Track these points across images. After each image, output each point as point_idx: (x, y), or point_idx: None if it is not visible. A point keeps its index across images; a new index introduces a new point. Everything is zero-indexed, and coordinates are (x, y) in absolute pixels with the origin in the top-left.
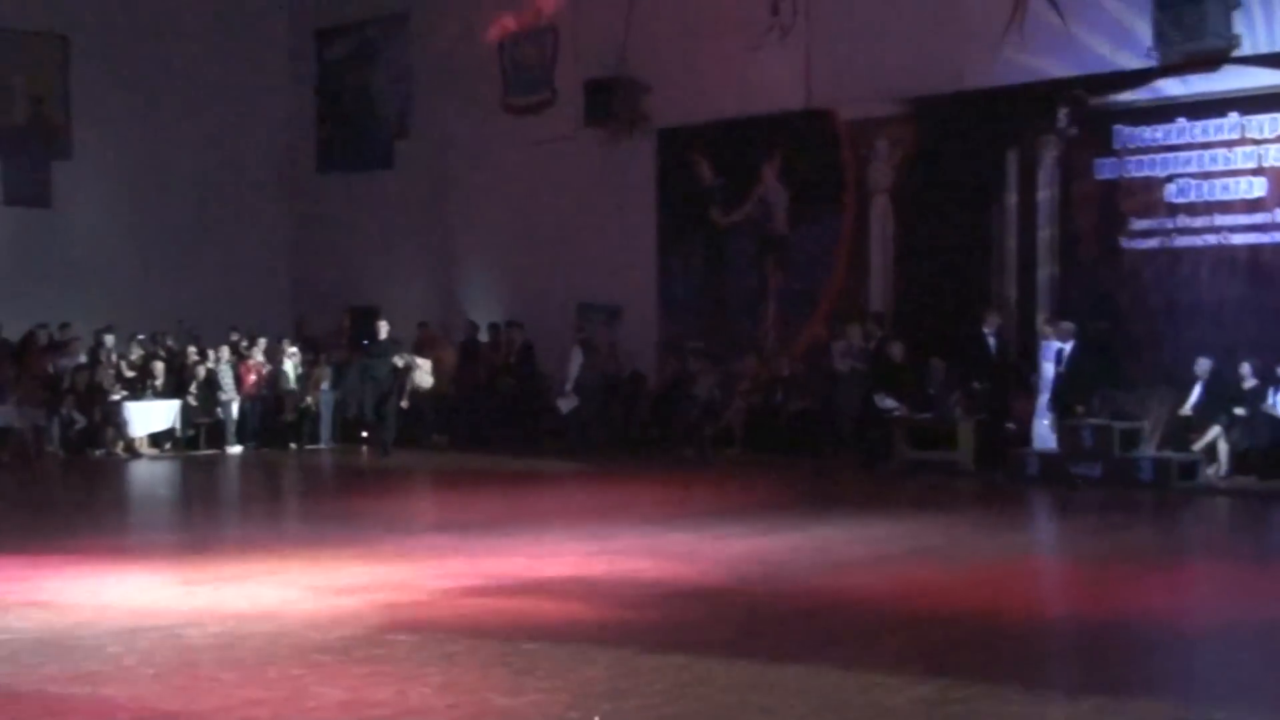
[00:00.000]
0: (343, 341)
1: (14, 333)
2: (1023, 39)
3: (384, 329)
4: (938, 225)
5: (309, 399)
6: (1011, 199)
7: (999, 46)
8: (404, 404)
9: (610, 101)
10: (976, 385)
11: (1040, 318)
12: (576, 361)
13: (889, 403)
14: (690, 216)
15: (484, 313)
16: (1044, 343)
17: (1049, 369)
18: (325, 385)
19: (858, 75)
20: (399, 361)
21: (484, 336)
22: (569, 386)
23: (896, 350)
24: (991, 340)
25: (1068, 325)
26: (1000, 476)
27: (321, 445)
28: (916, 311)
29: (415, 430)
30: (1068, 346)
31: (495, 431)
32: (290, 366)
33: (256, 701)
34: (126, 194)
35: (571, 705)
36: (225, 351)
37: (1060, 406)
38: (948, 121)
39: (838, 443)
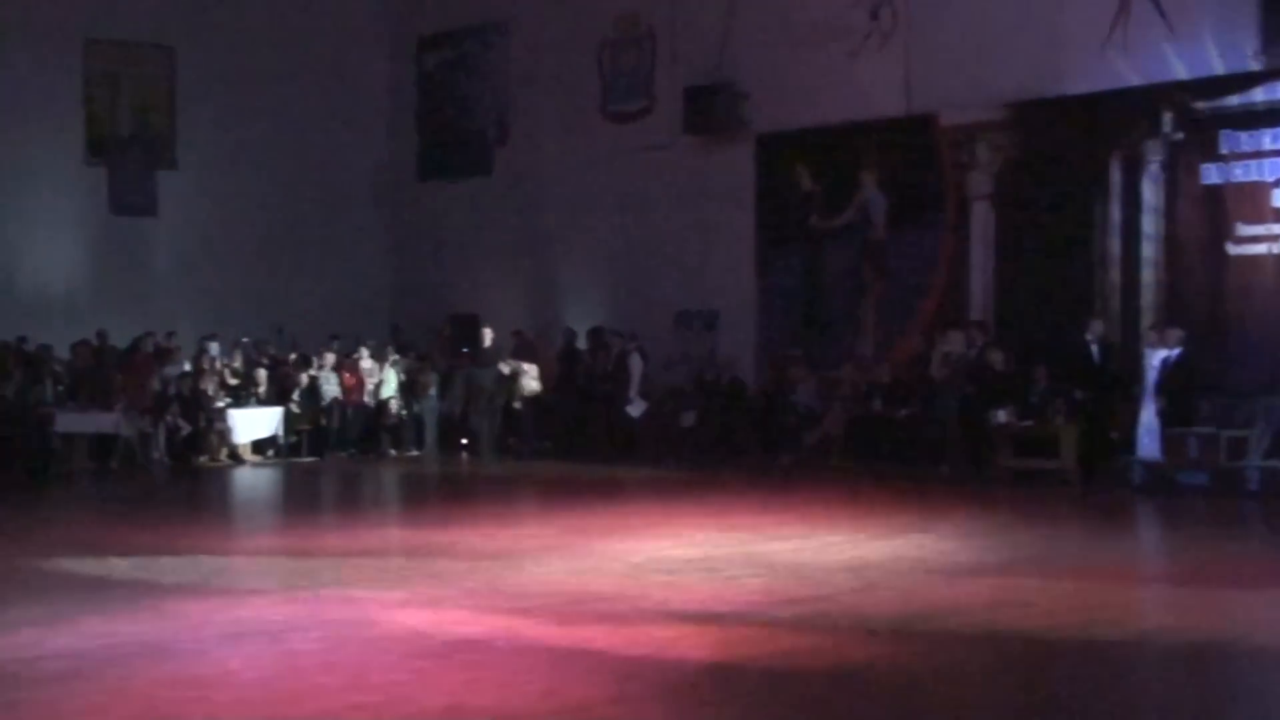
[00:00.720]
0: (445, 349)
1: (121, 340)
2: (1126, 42)
3: (488, 336)
4: (1039, 231)
5: (416, 405)
6: (1115, 205)
7: (1102, 50)
8: (516, 404)
9: (709, 108)
10: (1079, 393)
11: (1145, 324)
12: (637, 368)
13: (1000, 416)
14: (789, 223)
15: (582, 320)
16: (1147, 349)
17: (1153, 376)
18: (432, 392)
19: (958, 80)
20: (505, 368)
21: (583, 344)
22: (633, 393)
23: (998, 358)
24: (1095, 347)
25: (1175, 332)
26: (1104, 485)
27: (423, 452)
28: (1018, 318)
29: (515, 438)
30: (1175, 354)
31: (594, 439)
32: (392, 374)
33: (358, 706)
34: (229, 203)
35: (674, 713)
36: (328, 358)
37: (1166, 414)
38: (1049, 126)
39: (938, 451)
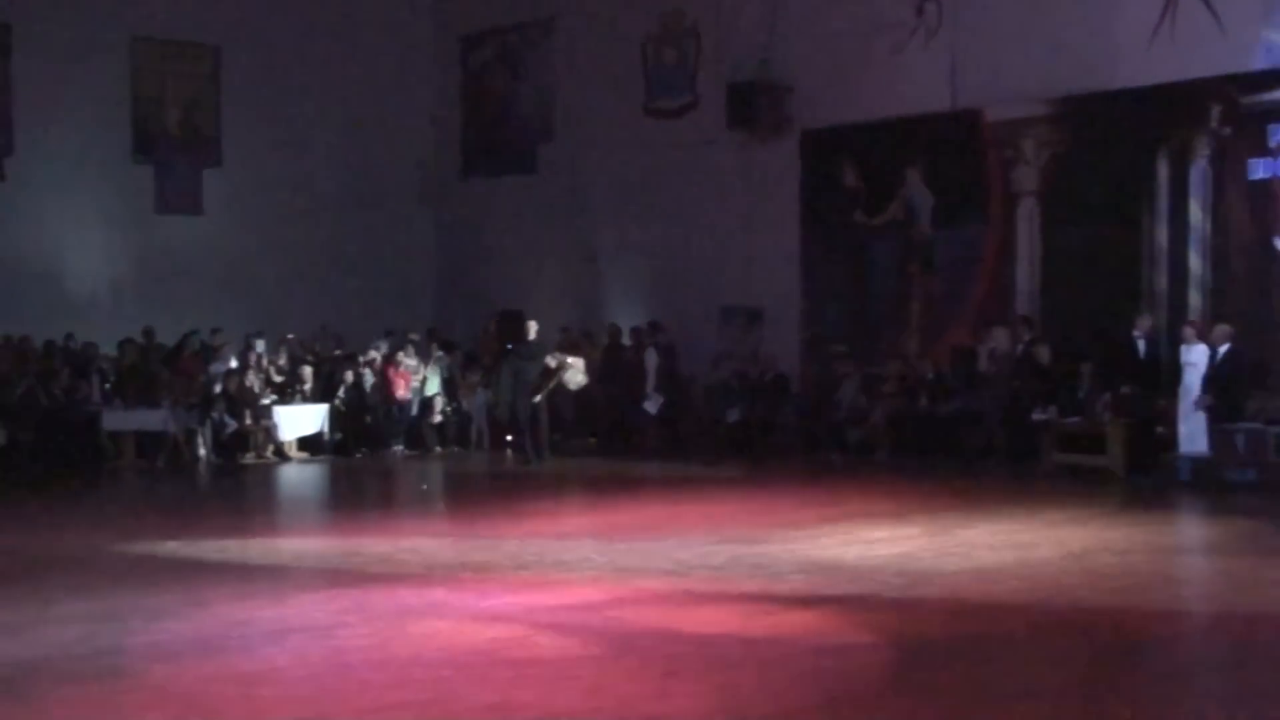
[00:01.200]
0: (489, 345)
1: (168, 338)
2: (1174, 35)
3: (533, 329)
4: (1086, 227)
5: (463, 402)
6: (1162, 200)
7: (1149, 43)
8: (567, 387)
9: (753, 104)
10: (1126, 389)
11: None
12: (653, 363)
13: (1045, 413)
14: (834, 219)
15: (626, 316)
16: (1183, 346)
17: (1191, 373)
18: (479, 390)
19: (1004, 76)
20: (551, 361)
21: (627, 340)
22: (650, 388)
23: (1044, 354)
24: (1142, 343)
25: (1224, 328)
26: (1150, 481)
27: (468, 449)
28: (1064, 314)
29: (560, 434)
30: (1223, 350)
31: (639, 435)
32: (437, 370)
33: (405, 703)
34: (274, 201)
35: (719, 709)
36: (374, 356)
37: (1215, 410)
38: (1096, 121)
39: (984, 447)
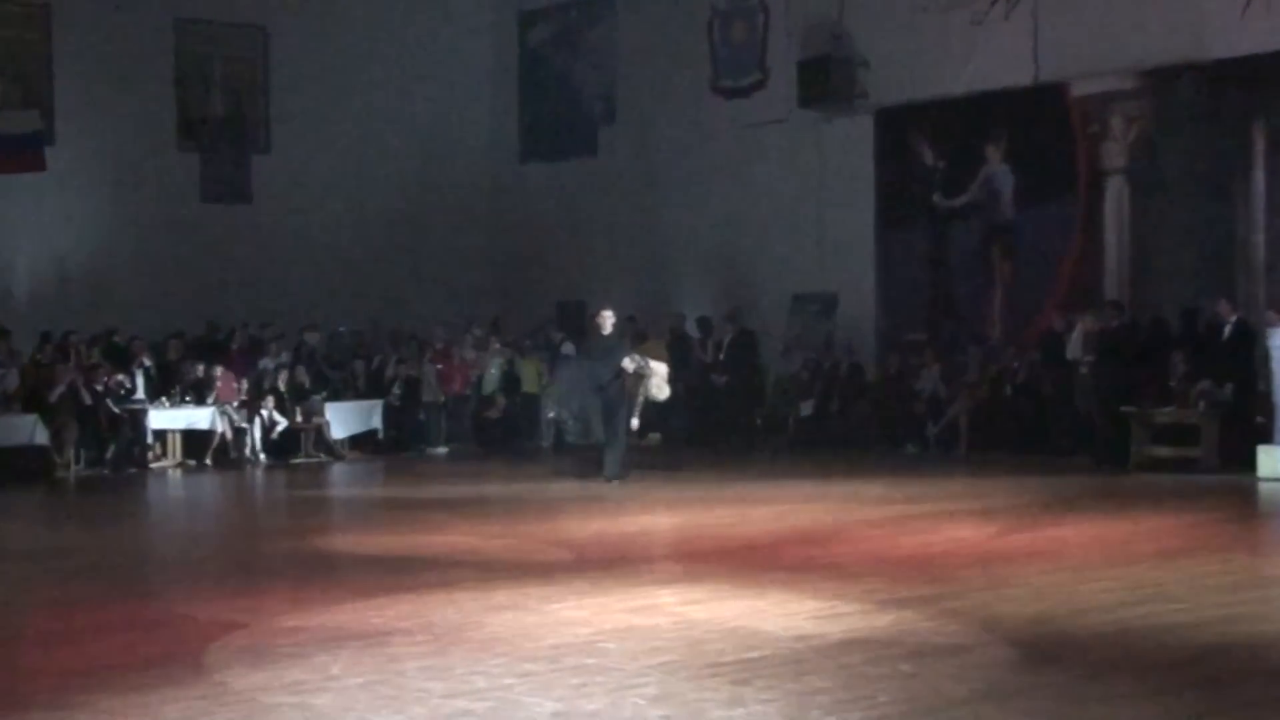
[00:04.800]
0: (552, 339)
1: (214, 333)
2: (1269, 3)
3: (608, 320)
4: (1178, 207)
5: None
6: (1258, 176)
7: (1244, 11)
8: (634, 422)
9: (825, 81)
10: (1220, 378)
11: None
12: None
13: (1132, 405)
14: (910, 201)
15: (693, 305)
16: (1268, 329)
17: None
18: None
19: (1090, 47)
20: (629, 364)
21: (693, 330)
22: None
23: (1134, 341)
24: (1228, 328)
25: None
26: (1246, 475)
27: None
28: (1155, 299)
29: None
30: None
31: (710, 431)
32: (496, 365)
33: (465, 712)
34: (325, 189)
35: (792, 717)
36: (429, 350)
37: None
38: (1188, 94)
39: (1072, 440)
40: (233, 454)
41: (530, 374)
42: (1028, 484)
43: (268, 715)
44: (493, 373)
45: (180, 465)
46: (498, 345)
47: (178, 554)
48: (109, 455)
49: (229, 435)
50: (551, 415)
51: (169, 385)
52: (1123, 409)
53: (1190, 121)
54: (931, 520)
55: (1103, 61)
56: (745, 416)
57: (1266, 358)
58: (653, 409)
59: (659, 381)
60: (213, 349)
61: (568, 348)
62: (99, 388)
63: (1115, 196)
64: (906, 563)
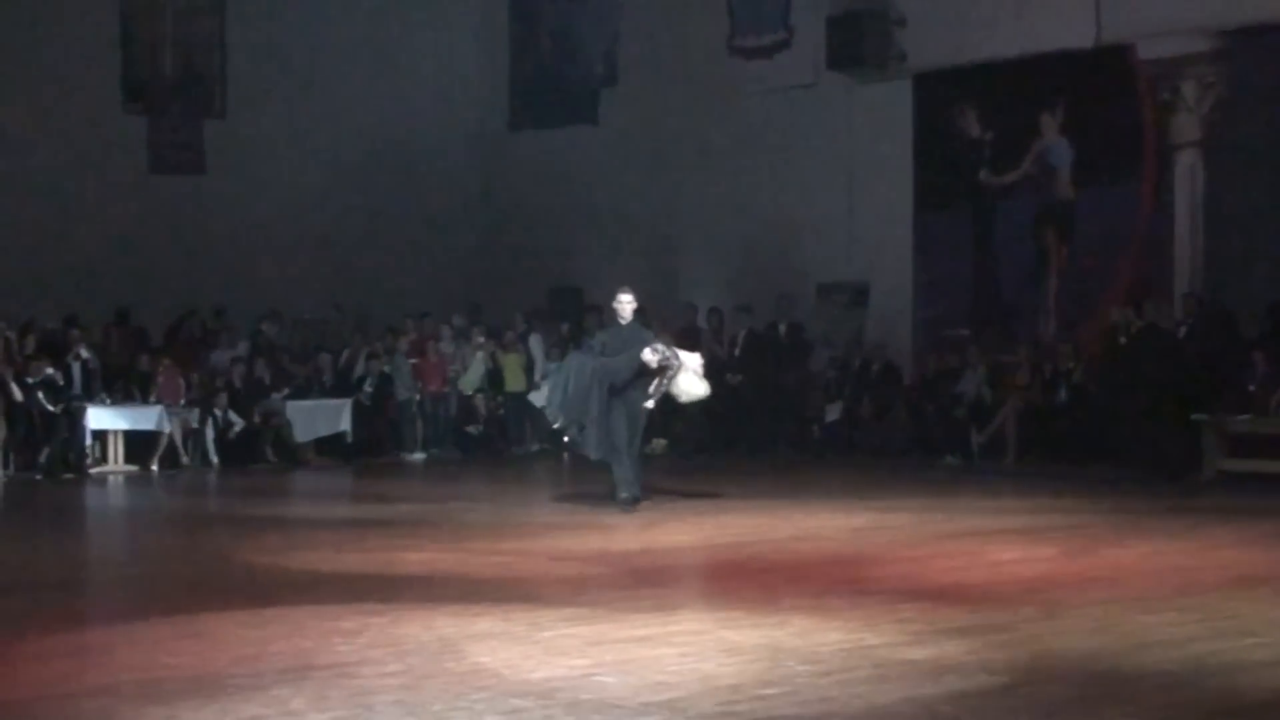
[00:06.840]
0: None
1: (161, 321)
2: None
3: (628, 305)
4: (1257, 185)
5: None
6: None
7: None
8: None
9: (858, 41)
10: None
11: None
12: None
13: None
14: (954, 178)
15: (705, 294)
16: None
17: None
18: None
19: (1159, 4)
20: (652, 357)
21: (704, 322)
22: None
23: (1208, 339)
24: None
25: None
26: None
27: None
28: (1232, 290)
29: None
30: None
31: (721, 434)
32: (478, 361)
33: None
34: (288, 159)
35: None
36: (403, 343)
37: None
38: (1269, 58)
39: (1135, 450)
40: (183, 459)
41: (514, 370)
42: (1084, 500)
43: None
44: (474, 369)
45: (123, 471)
46: (481, 339)
47: (118, 571)
48: (42, 459)
49: (178, 437)
50: (557, 426)
51: (111, 380)
52: (1193, 416)
53: (1271, 89)
54: (975, 541)
55: (1174, 20)
56: (763, 420)
57: None
58: (658, 410)
59: (690, 376)
60: (160, 340)
61: (534, 340)
62: (30, 381)
63: (1187, 174)
64: (946, 590)
